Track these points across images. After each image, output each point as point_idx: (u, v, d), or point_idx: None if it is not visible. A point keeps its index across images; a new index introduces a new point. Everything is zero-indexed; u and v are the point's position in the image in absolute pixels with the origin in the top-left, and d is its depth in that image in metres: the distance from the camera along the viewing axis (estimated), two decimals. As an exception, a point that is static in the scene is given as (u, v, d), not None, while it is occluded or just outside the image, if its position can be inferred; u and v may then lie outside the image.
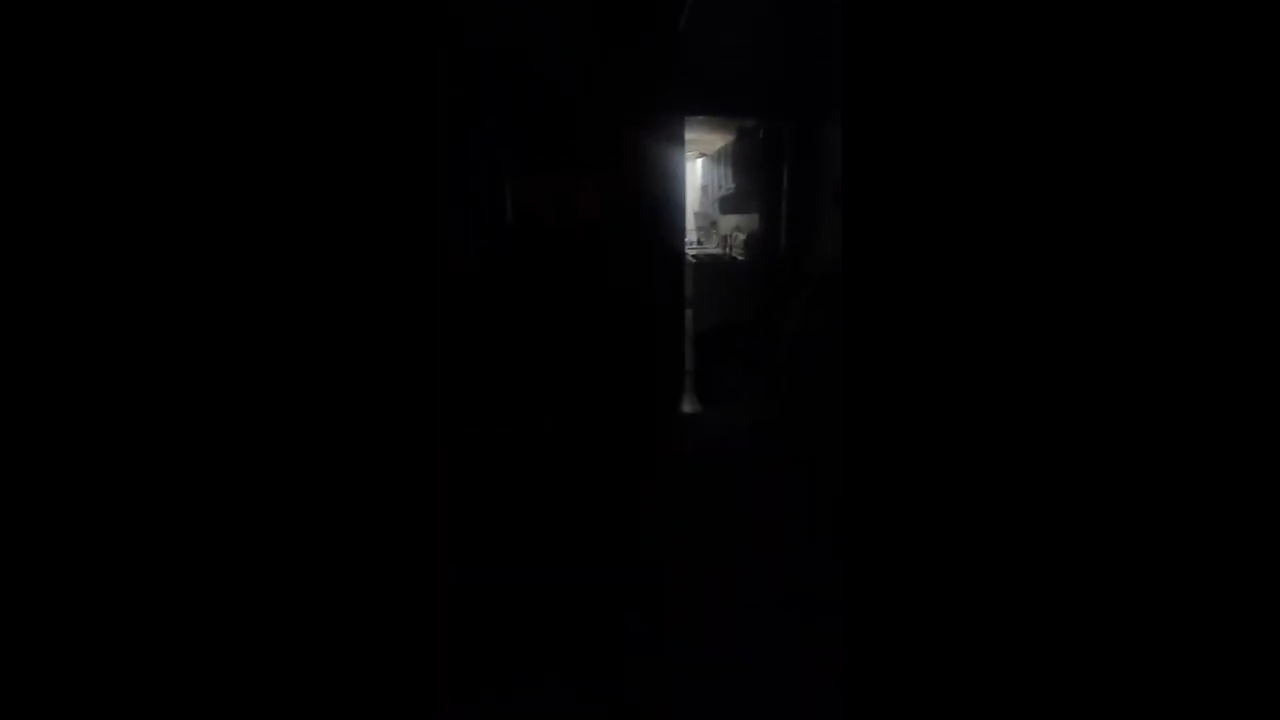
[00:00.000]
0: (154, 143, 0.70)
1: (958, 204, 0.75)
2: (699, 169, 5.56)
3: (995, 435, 0.75)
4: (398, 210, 0.77)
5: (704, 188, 5.42)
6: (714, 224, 5.24)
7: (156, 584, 0.72)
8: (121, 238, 0.69)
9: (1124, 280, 0.70)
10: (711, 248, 4.95)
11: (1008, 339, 0.74)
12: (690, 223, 5.39)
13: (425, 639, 0.83)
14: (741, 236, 4.21)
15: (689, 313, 3.68)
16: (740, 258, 4.06)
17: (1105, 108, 0.69)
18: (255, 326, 0.73)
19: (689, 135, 3.21)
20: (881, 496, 0.81)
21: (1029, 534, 0.75)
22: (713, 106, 3.00)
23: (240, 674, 0.75)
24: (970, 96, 0.74)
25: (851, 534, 0.84)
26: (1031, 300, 0.73)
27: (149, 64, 0.69)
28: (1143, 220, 0.69)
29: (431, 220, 0.79)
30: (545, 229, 1.69)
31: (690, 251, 4.46)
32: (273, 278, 0.74)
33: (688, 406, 2.99)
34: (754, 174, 3.59)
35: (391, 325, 0.78)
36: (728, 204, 4.52)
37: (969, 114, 0.74)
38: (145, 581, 0.72)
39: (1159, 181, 0.68)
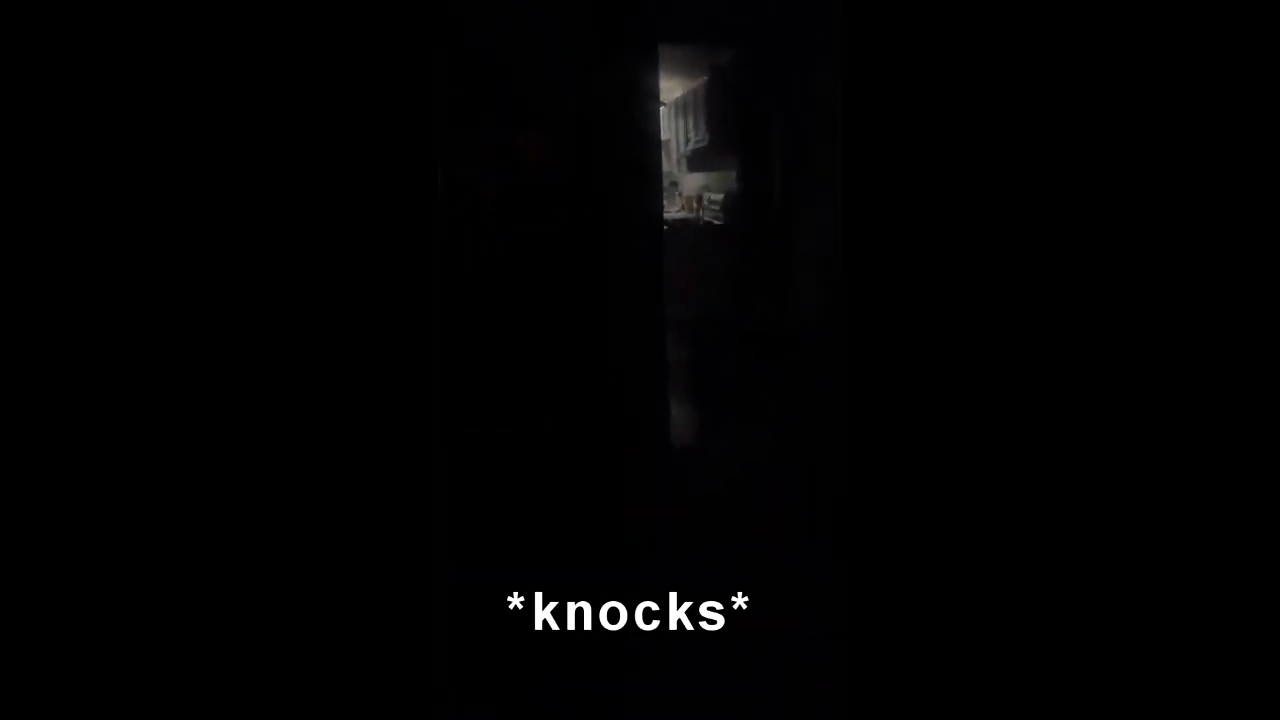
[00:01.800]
0: (155, 142, 0.70)
1: (979, 169, 0.67)
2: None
3: (999, 433, 0.75)
4: (398, 210, 0.77)
5: (664, 143, 4.84)
6: (675, 184, 4.76)
7: (157, 583, 0.73)
8: (122, 237, 0.70)
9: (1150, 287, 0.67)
10: (676, 211, 4.48)
11: (1018, 332, 0.73)
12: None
13: (425, 639, 0.83)
14: (716, 197, 3.71)
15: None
16: (716, 222, 3.59)
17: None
18: (255, 327, 0.74)
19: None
20: (881, 496, 0.81)
21: (1029, 533, 0.75)
22: (688, 35, 2.34)
23: (241, 674, 0.75)
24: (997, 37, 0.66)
25: (851, 534, 0.84)
26: (1048, 295, 0.70)
27: (151, 64, 0.69)
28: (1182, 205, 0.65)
29: (431, 220, 0.79)
30: (485, 196, 1.41)
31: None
32: (273, 278, 0.74)
33: (681, 414, 2.68)
34: (733, 122, 3.02)
35: (392, 325, 0.78)
36: (698, 160, 3.98)
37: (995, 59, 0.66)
38: (145, 581, 0.72)
39: (1199, 147, 0.65)
